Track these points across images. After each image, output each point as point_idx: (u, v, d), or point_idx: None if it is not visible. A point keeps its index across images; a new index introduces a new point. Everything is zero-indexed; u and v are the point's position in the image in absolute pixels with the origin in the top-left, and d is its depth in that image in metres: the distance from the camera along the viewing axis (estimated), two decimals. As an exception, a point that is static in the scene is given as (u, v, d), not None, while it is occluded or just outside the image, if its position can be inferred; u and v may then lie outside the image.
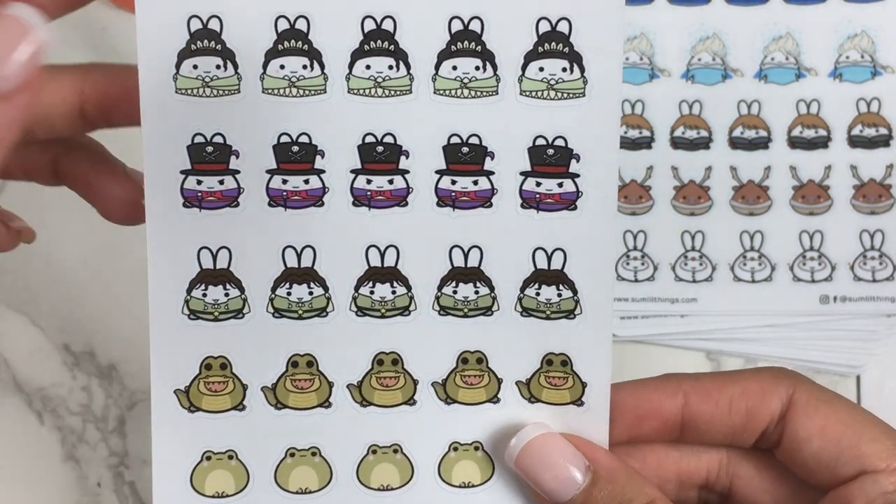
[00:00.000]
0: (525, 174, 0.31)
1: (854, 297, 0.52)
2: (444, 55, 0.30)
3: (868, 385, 0.52)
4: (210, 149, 0.30)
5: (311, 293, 0.31)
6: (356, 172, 0.31)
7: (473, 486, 0.32)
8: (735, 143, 0.53)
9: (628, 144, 0.53)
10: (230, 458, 0.32)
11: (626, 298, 0.52)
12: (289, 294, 0.31)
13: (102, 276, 0.52)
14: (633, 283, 0.52)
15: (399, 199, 0.31)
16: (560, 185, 0.31)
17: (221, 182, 0.31)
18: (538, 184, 0.31)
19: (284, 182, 0.31)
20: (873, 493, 0.29)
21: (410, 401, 0.32)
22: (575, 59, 0.30)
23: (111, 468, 0.52)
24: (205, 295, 0.31)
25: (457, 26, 0.30)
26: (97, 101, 0.32)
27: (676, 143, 0.53)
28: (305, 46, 0.30)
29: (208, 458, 0.32)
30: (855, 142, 0.52)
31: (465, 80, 0.30)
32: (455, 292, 0.31)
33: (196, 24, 0.30)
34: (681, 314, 0.52)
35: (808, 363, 0.52)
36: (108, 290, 0.52)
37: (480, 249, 0.31)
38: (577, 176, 0.31)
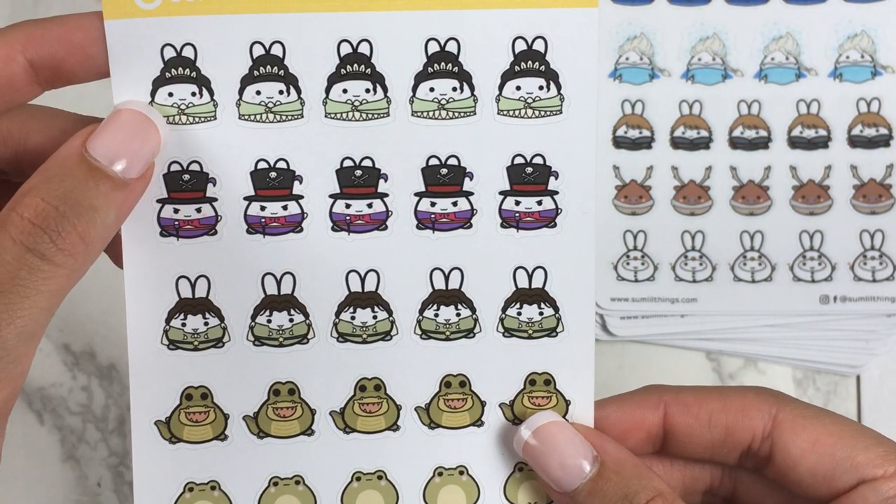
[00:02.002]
0: (504, 193, 0.31)
1: (854, 297, 0.51)
2: (421, 77, 0.30)
3: (868, 385, 0.52)
4: (187, 177, 0.30)
5: (291, 320, 0.31)
6: (335, 197, 0.31)
7: None
8: (735, 143, 0.52)
9: (628, 144, 0.53)
10: (213, 488, 0.32)
11: (626, 298, 0.52)
12: (269, 322, 0.31)
13: (102, 276, 0.52)
14: (633, 283, 0.52)
15: (378, 222, 0.31)
16: (539, 202, 0.31)
17: (199, 210, 0.30)
18: (517, 202, 0.31)
19: (263, 209, 0.30)
20: (875, 501, 0.29)
21: (394, 426, 0.32)
22: (552, 76, 0.30)
23: (111, 468, 0.52)
24: (184, 324, 0.31)
25: (433, 48, 0.30)
26: (41, 62, 0.29)
27: (676, 143, 0.53)
28: (281, 72, 0.30)
29: (191, 490, 0.32)
30: (855, 142, 0.52)
31: (443, 102, 0.30)
32: (437, 315, 0.31)
33: (170, 53, 0.29)
34: (681, 314, 0.52)
35: (808, 363, 0.52)
36: (108, 290, 0.52)
37: (461, 271, 0.31)
38: (556, 193, 0.31)
